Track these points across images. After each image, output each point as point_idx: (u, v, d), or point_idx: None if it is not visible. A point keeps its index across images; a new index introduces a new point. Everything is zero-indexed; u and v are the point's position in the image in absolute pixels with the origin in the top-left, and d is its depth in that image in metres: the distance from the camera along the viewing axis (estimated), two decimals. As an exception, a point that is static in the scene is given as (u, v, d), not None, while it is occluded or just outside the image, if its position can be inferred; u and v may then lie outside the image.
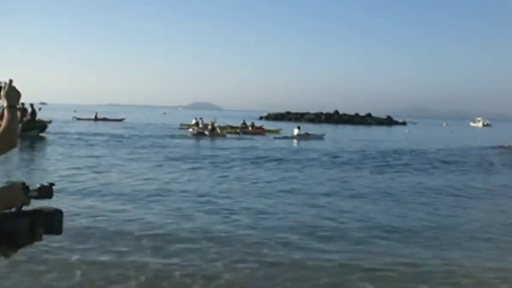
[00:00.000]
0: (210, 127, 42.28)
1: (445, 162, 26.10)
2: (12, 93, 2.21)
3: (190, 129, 43.01)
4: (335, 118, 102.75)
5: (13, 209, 1.80)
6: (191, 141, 35.73)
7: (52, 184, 1.90)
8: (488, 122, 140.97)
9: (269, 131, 49.16)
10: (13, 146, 2.15)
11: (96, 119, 67.88)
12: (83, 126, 49.65)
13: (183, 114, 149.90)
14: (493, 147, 37.81)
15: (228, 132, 45.66)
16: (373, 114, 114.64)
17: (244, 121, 55.35)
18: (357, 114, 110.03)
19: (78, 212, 10.74)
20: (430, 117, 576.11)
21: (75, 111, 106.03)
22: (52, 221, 1.83)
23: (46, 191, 1.86)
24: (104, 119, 69.24)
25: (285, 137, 41.76)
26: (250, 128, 49.56)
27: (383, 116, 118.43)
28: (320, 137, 43.29)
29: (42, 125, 34.06)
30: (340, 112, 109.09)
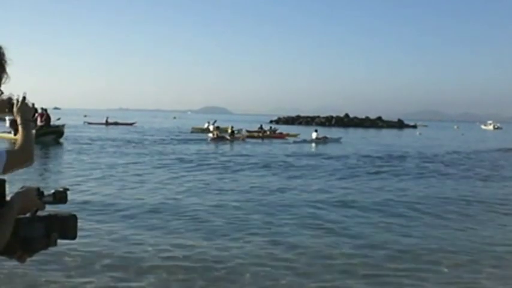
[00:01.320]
0: (229, 131, 42.53)
1: (459, 166, 26.01)
2: (25, 108, 2.20)
3: (210, 134, 42.73)
4: (345, 121, 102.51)
5: (28, 214, 1.80)
6: (211, 146, 35.25)
7: (66, 189, 1.91)
8: (499, 125, 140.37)
9: (289, 135, 49.19)
10: (30, 161, 2.14)
11: (107, 123, 68.36)
12: (94, 131, 49.86)
13: (194, 118, 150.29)
14: (502, 150, 38.17)
15: (249, 137, 46.03)
16: (384, 118, 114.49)
17: (261, 125, 55.63)
18: (367, 118, 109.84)
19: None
20: (441, 120, 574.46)
21: (85, 115, 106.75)
22: (67, 226, 1.83)
23: (61, 196, 1.88)
24: (115, 123, 69.80)
25: (304, 141, 42.10)
26: (268, 132, 49.55)
27: (394, 119, 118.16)
28: (337, 140, 43.94)
29: (58, 131, 33.48)
30: (351, 115, 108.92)
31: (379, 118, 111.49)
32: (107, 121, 69.19)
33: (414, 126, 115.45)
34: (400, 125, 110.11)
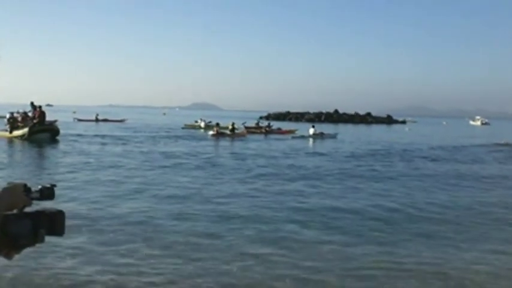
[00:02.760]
0: (230, 127, 42.79)
1: (441, 163, 26.58)
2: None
3: (211, 131, 42.29)
4: (335, 117, 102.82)
5: (15, 211, 1.77)
6: (212, 143, 35.14)
7: (54, 185, 1.88)
8: (486, 120, 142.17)
9: (290, 131, 49.48)
10: None
11: (97, 120, 68.02)
12: (84, 128, 49.35)
13: (184, 114, 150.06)
14: (485, 145, 39.14)
15: (254, 133, 46.61)
16: (374, 113, 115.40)
17: (258, 121, 56.05)
18: (356, 114, 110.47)
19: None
20: (431, 115, 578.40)
21: (74, 112, 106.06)
22: (54, 223, 1.80)
23: (48, 192, 1.85)
24: (105, 120, 69.39)
25: (302, 137, 42.80)
26: (268, 128, 49.81)
27: (383, 114, 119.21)
28: (333, 136, 44.70)
29: (53, 129, 32.35)
30: (340, 111, 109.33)
31: (369, 114, 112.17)
32: (96, 118, 68.83)
33: (403, 122, 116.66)
34: (389, 120, 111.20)
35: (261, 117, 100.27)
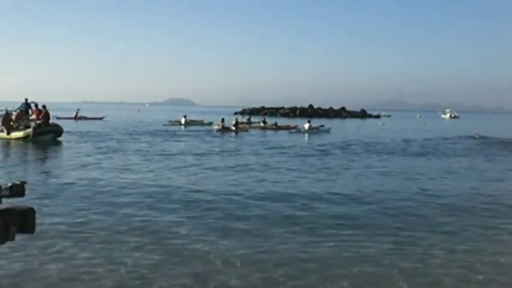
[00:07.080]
0: (234, 123, 45.88)
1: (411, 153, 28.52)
2: None
3: (215, 126, 46.17)
4: (309, 112, 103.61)
5: None
6: (218, 138, 37.77)
7: (24, 182, 1.88)
8: (456, 114, 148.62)
9: (289, 127, 51.13)
10: None
11: (76, 118, 67.95)
12: (67, 126, 48.08)
13: (161, 109, 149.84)
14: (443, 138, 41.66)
15: (264, 128, 49.91)
16: (348, 108, 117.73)
17: (249, 117, 58.02)
18: (331, 108, 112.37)
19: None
20: (406, 110, 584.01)
21: (49, 109, 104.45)
22: (25, 220, 1.80)
23: (18, 190, 1.84)
24: (84, 118, 69.03)
25: (299, 131, 45.02)
26: (262, 124, 52.11)
27: (357, 109, 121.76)
28: (327, 131, 46.90)
29: (56, 130, 30.84)
30: (315, 106, 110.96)
31: (343, 108, 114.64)
32: (76, 115, 68.97)
33: (377, 116, 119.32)
34: (363, 115, 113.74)
35: (236, 113, 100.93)
